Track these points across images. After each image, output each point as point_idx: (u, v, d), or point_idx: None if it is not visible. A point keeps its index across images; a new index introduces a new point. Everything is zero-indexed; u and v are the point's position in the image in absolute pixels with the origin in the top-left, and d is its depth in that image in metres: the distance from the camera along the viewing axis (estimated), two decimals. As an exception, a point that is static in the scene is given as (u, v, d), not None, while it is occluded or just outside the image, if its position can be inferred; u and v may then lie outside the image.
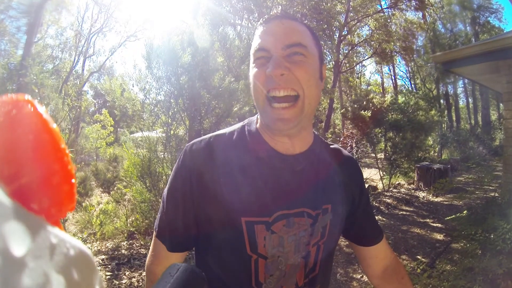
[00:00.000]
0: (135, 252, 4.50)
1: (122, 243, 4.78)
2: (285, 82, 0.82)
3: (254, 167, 0.88)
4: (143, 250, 4.52)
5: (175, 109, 5.57)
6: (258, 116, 0.95)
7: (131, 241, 4.88)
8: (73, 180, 0.30)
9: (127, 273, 3.89)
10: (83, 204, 6.35)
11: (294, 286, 0.91)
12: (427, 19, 21.97)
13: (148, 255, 0.97)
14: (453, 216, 4.25)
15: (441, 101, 21.53)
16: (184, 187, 0.89)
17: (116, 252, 4.45)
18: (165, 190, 0.93)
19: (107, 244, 4.76)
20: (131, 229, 5.08)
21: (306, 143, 0.95)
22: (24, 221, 0.24)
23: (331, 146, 1.06)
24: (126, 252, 4.48)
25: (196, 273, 0.47)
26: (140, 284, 3.62)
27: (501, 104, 23.83)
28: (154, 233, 0.95)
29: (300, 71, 0.83)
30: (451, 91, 25.17)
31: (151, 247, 0.97)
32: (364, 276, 3.87)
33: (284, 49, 0.83)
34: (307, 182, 0.92)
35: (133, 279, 3.74)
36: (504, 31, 21.05)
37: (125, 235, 5.10)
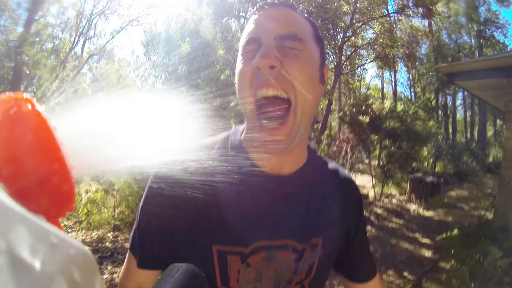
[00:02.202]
0: (119, 245, 4.43)
1: (108, 234, 4.71)
2: (275, 78, 0.67)
3: (233, 187, 0.74)
4: (127, 244, 4.38)
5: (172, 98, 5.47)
6: (244, 128, 0.81)
7: (116, 233, 4.82)
8: (73, 180, 0.30)
9: (109, 267, 3.82)
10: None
11: None
12: (433, 27, 21.90)
13: (122, 268, 0.87)
14: (444, 235, 4.19)
15: (439, 112, 21.55)
16: (156, 201, 0.77)
17: (100, 244, 4.37)
18: (141, 202, 0.82)
19: (92, 234, 4.69)
20: (117, 223, 5.00)
21: (298, 161, 0.81)
22: (24, 221, 0.24)
23: (328, 165, 0.91)
24: (110, 245, 4.41)
25: (196, 273, 0.47)
26: (122, 280, 3.55)
27: (498, 120, 24.01)
28: (129, 245, 0.85)
29: (293, 67, 0.68)
30: (450, 103, 25.26)
31: (125, 260, 0.87)
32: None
33: (277, 40, 0.69)
34: (295, 210, 0.78)
35: (115, 275, 3.65)
36: (509, 47, 21.14)
37: (111, 226, 5.02)
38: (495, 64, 5.28)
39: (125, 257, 0.89)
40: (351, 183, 0.94)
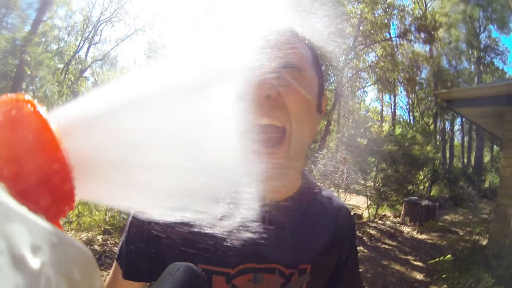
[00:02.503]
0: (108, 249, 4.39)
1: (97, 237, 4.66)
2: (271, 107, 0.67)
3: (224, 211, 0.74)
4: (116, 248, 4.34)
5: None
6: None
7: (105, 237, 4.77)
8: (73, 180, 0.29)
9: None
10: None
11: None
12: (434, 53, 22.22)
13: (108, 277, 0.87)
14: (437, 259, 4.15)
15: (437, 136, 21.66)
16: (144, 218, 0.76)
17: (88, 247, 4.26)
18: (130, 214, 0.82)
19: (82, 236, 4.67)
20: (107, 227, 4.95)
21: (292, 188, 0.80)
22: (25, 221, 0.24)
23: (323, 192, 0.90)
24: (99, 248, 4.39)
25: (196, 273, 0.45)
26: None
27: (495, 146, 24.15)
28: (116, 256, 0.85)
29: (290, 97, 0.68)
30: (448, 128, 25.43)
31: (112, 269, 0.87)
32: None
33: (276, 69, 0.66)
34: (285, 236, 0.77)
35: (102, 278, 3.57)
36: (507, 74, 21.43)
37: (102, 229, 5.00)
38: (494, 92, 5.33)
39: (113, 262, 0.88)
40: (345, 211, 0.93)
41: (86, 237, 4.59)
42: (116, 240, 4.58)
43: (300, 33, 0.76)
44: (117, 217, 5.06)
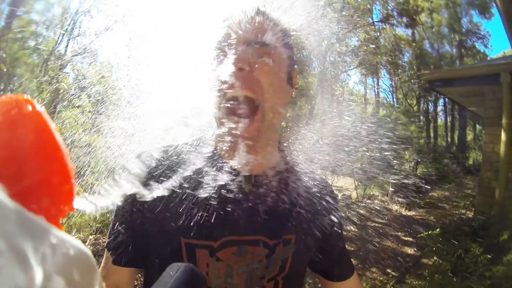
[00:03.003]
0: (100, 248, 4.34)
1: (89, 237, 4.61)
2: (244, 80, 0.71)
3: (203, 185, 0.76)
4: (108, 246, 4.30)
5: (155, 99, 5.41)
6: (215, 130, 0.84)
7: (97, 236, 4.71)
8: (73, 180, 0.30)
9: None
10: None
11: None
12: (416, 37, 22.37)
13: (100, 267, 0.87)
14: (426, 233, 4.27)
15: (421, 117, 21.97)
16: (130, 202, 0.79)
17: (81, 246, 4.25)
18: None
19: (74, 237, 4.54)
20: (98, 225, 4.89)
21: (270, 161, 0.83)
22: (24, 222, 0.24)
23: (302, 166, 0.93)
24: (91, 248, 4.33)
25: (196, 273, 0.46)
26: (101, 283, 3.47)
27: (477, 125, 24.67)
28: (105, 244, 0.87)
29: (261, 71, 0.72)
30: (431, 108, 25.77)
31: (103, 259, 0.88)
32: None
33: (247, 46, 0.73)
34: (267, 208, 0.79)
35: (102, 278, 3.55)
36: (489, 57, 21.79)
37: (93, 229, 4.90)
38: (474, 72, 5.46)
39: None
40: (325, 183, 0.95)
41: (77, 238, 4.53)
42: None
43: (270, 14, 0.80)
44: (107, 215, 5.01)
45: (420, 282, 3.59)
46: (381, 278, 4.05)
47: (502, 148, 4.72)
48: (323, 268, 0.96)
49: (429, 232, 4.21)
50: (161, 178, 0.77)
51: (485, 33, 24.19)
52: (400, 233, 6.22)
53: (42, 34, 19.56)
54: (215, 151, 0.82)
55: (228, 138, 0.73)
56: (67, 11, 19.97)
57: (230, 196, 0.76)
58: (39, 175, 0.28)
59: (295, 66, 0.84)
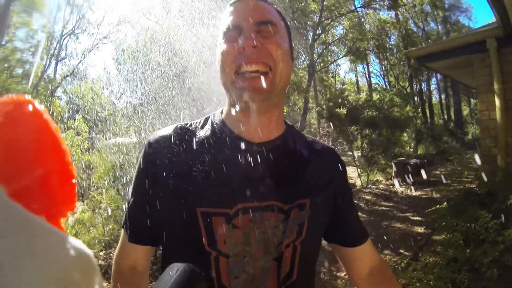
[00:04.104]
0: (111, 261, 4.31)
1: (99, 253, 4.59)
2: (257, 55, 0.77)
3: (216, 155, 0.80)
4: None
5: (148, 113, 5.41)
6: (223, 108, 0.89)
7: (108, 251, 4.70)
8: (74, 181, 0.30)
9: (105, 284, 3.71)
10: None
11: None
12: (400, 18, 22.46)
13: (117, 247, 0.92)
14: (433, 208, 4.27)
15: (415, 98, 22.05)
16: (145, 176, 0.83)
17: (92, 263, 4.25)
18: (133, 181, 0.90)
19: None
20: (107, 238, 4.89)
21: (277, 130, 0.87)
22: (24, 222, 0.24)
23: (307, 138, 0.97)
24: (103, 263, 4.34)
25: (196, 273, 0.47)
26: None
27: (472, 100, 24.76)
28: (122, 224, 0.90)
29: (272, 45, 0.79)
30: (425, 88, 25.87)
31: (120, 237, 0.93)
32: (348, 273, 3.81)
33: (256, 25, 0.79)
34: (279, 173, 0.82)
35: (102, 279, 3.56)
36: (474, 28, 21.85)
37: (102, 244, 4.91)
38: (461, 42, 5.50)
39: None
40: (332, 150, 0.99)
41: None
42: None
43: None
44: (116, 228, 5.00)
45: (434, 258, 3.58)
46: (394, 260, 4.04)
47: (497, 114, 4.73)
48: (339, 236, 0.97)
49: (437, 207, 4.21)
50: (174, 151, 0.82)
51: (467, 6, 24.43)
52: (408, 214, 6.22)
53: (28, 61, 19.59)
54: (225, 122, 0.87)
55: (244, 94, 0.77)
56: (52, 35, 20.02)
57: (243, 163, 0.80)
58: (40, 175, 0.28)
59: (292, 42, 0.90)
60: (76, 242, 0.27)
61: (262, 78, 0.76)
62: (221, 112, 0.90)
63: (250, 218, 0.77)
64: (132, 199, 0.87)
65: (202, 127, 0.88)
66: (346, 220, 0.96)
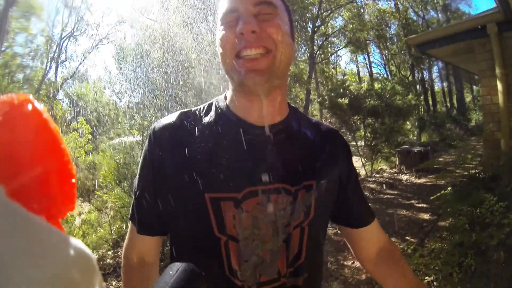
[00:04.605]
0: (120, 260, 4.34)
1: (108, 252, 4.63)
2: (257, 40, 0.75)
3: (221, 140, 0.81)
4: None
5: (151, 110, 5.42)
6: (227, 93, 0.89)
7: (116, 250, 4.73)
8: (73, 180, 0.30)
9: (113, 283, 3.78)
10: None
11: (276, 275, 0.80)
12: (399, 7, 22.28)
13: (125, 240, 0.93)
14: (438, 194, 4.26)
15: (417, 86, 21.95)
16: (151, 165, 0.83)
17: (101, 263, 4.30)
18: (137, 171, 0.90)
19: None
20: (114, 237, 4.93)
21: (281, 113, 0.87)
22: (24, 221, 0.24)
23: (311, 120, 0.97)
24: (111, 262, 4.36)
25: (196, 272, 0.47)
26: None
27: (474, 87, 24.59)
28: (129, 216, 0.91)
29: (272, 28, 0.77)
30: (427, 77, 25.72)
31: (128, 230, 0.93)
32: (356, 262, 3.83)
33: (254, 7, 0.77)
34: (284, 156, 0.82)
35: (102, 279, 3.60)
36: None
37: (110, 244, 4.94)
38: (461, 28, 5.45)
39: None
40: (337, 132, 0.99)
41: (97, 256, 4.58)
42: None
43: None
44: (123, 226, 5.04)
45: (440, 244, 3.58)
46: (401, 246, 4.05)
47: (500, 98, 4.70)
48: (346, 217, 0.98)
49: (442, 192, 4.20)
50: (179, 138, 0.82)
51: (467, -7, 24.14)
52: (413, 201, 6.22)
53: (29, 65, 19.65)
54: (229, 107, 0.86)
55: (245, 77, 0.77)
56: (51, 38, 20.06)
57: (248, 147, 0.80)
58: (39, 174, 0.28)
59: (293, 25, 0.89)
60: (76, 242, 0.27)
61: (262, 60, 0.76)
62: (225, 98, 0.89)
63: (258, 201, 0.78)
64: (138, 191, 0.87)
65: (206, 113, 0.87)
66: (352, 201, 0.96)
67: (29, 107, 0.28)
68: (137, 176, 0.88)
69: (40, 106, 0.29)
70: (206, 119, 0.85)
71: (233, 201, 0.77)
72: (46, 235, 0.25)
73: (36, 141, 0.28)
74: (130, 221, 0.91)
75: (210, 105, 0.90)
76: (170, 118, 0.86)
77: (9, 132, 0.27)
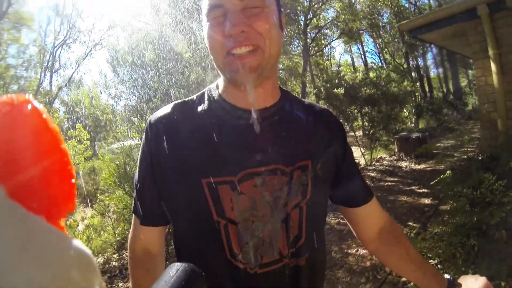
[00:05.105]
0: (125, 262, 4.37)
1: (113, 255, 4.65)
2: (247, 39, 0.75)
3: (215, 126, 0.82)
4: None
5: (147, 112, 5.43)
6: (218, 82, 0.90)
7: (121, 252, 4.75)
8: (73, 180, 0.30)
9: (120, 284, 3.81)
10: (67, 222, 6.13)
11: (278, 256, 0.81)
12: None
13: (129, 233, 0.94)
14: (438, 178, 4.28)
15: (413, 73, 21.93)
16: (149, 156, 0.84)
17: (106, 266, 4.33)
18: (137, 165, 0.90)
19: (98, 260, 4.62)
20: (118, 238, 4.94)
21: (273, 97, 0.88)
22: (23, 221, 0.24)
23: (304, 102, 0.97)
24: (117, 264, 4.39)
25: (196, 272, 0.46)
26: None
27: (469, 71, 24.57)
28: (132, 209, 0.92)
29: (260, 24, 0.76)
30: (421, 64, 25.70)
31: (132, 223, 0.94)
32: (360, 250, 3.85)
33: (241, 0, 0.76)
34: (278, 138, 0.83)
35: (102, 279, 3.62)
36: None
37: (114, 247, 4.96)
38: (453, 11, 5.43)
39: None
40: (329, 113, 0.99)
41: (102, 260, 4.59)
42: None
43: None
44: (126, 228, 5.05)
45: (442, 227, 3.60)
46: (404, 231, 4.07)
47: (494, 79, 4.70)
48: (345, 196, 0.98)
49: (441, 177, 4.21)
50: (175, 127, 0.83)
51: (459, -23, 24.00)
52: (414, 187, 6.23)
53: (23, 76, 19.59)
54: (221, 95, 0.87)
55: (236, 74, 0.78)
56: (44, 47, 19.99)
57: (241, 130, 0.82)
58: (39, 174, 0.28)
59: (281, 9, 0.88)
60: (75, 242, 0.27)
61: (253, 57, 0.76)
62: (217, 87, 0.90)
63: (254, 183, 0.78)
64: (139, 183, 0.88)
65: (199, 102, 0.88)
66: (348, 180, 0.97)
67: (29, 107, 0.28)
68: (137, 170, 0.89)
69: (39, 106, 0.29)
70: (200, 108, 0.86)
71: (229, 184, 0.77)
72: (46, 235, 0.25)
73: (36, 141, 0.28)
74: (133, 214, 0.92)
75: (202, 94, 0.90)
76: (165, 109, 0.87)
77: (9, 132, 0.27)
